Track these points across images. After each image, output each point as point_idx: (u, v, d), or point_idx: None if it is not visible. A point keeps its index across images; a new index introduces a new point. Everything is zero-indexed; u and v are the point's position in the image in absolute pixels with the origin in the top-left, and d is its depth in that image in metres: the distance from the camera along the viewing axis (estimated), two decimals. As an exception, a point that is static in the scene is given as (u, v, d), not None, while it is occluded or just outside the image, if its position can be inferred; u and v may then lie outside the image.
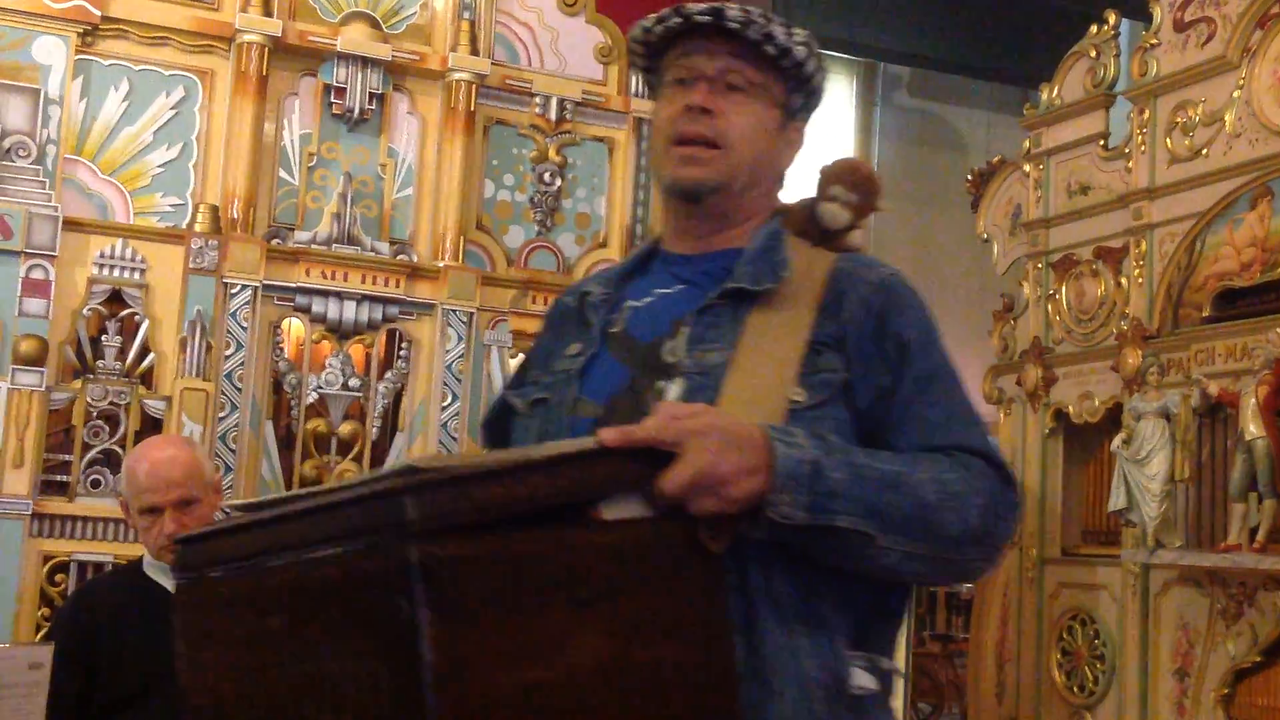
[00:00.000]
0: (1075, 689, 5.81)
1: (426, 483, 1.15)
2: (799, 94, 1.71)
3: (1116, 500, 5.32)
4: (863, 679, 1.51)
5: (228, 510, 1.36)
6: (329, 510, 1.23)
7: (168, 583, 2.93)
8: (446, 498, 1.15)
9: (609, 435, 1.32)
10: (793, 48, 1.65)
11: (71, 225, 5.11)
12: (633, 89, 6.11)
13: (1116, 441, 5.40)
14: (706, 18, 1.62)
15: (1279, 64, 5.18)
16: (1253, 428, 4.84)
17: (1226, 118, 5.33)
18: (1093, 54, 6.08)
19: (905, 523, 1.45)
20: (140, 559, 3.02)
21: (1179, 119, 5.56)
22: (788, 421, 1.48)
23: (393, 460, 5.53)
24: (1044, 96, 6.33)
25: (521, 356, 1.84)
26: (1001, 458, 1.59)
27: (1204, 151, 5.43)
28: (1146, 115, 5.71)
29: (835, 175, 1.75)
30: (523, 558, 1.19)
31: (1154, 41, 5.73)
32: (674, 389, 1.55)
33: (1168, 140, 5.61)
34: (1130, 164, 5.75)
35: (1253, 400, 4.84)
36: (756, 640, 1.46)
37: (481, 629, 1.14)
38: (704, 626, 1.33)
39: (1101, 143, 6.01)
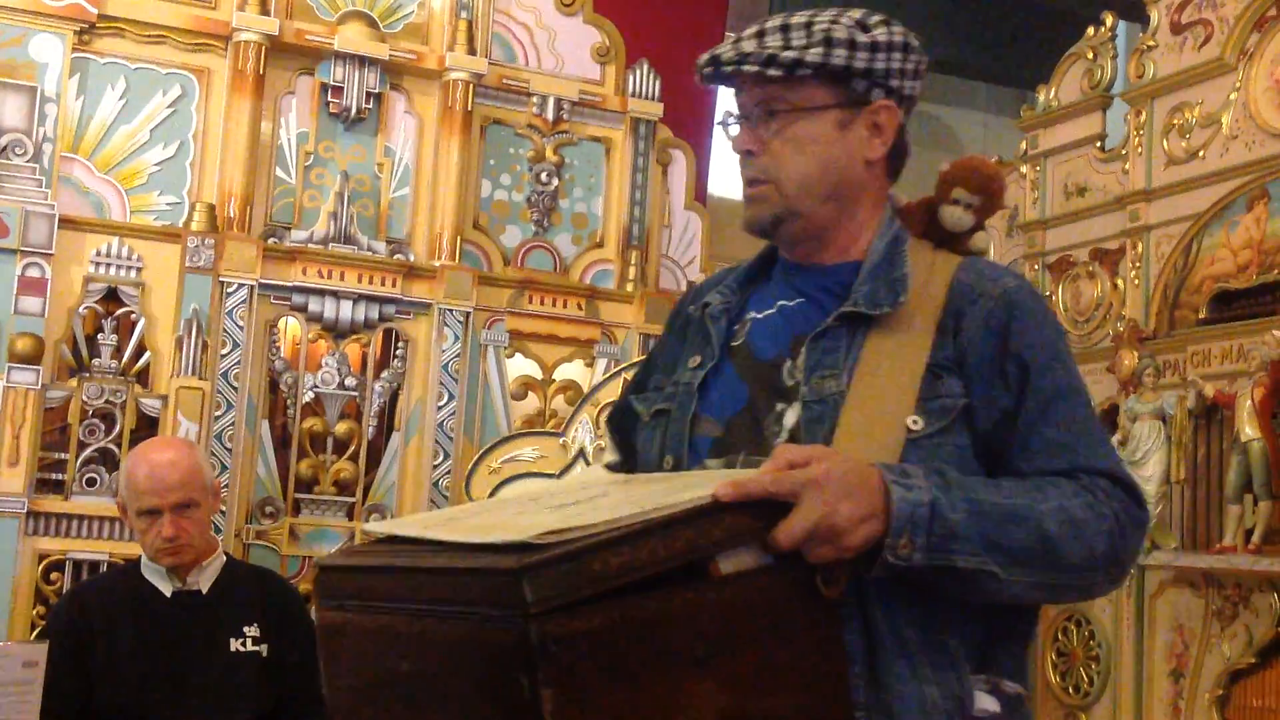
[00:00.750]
0: (1070, 690, 5.81)
1: (545, 561, 1.14)
2: (858, 80, 1.63)
3: (1112, 501, 5.31)
4: (985, 702, 1.49)
5: (364, 533, 1.39)
6: (454, 574, 1.23)
7: (164, 586, 2.93)
8: (564, 575, 1.14)
9: (725, 491, 1.29)
10: (804, 56, 1.59)
11: (68, 224, 5.10)
12: (630, 89, 6.11)
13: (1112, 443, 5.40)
14: (708, 69, 1.62)
15: (1276, 66, 5.18)
16: (1248, 429, 4.83)
17: (1223, 120, 5.34)
18: (1090, 56, 6.08)
19: (1028, 555, 1.44)
20: (138, 560, 3.01)
21: (1176, 121, 5.56)
22: (906, 451, 1.47)
23: (390, 459, 5.53)
24: (1041, 98, 6.33)
25: (642, 356, 1.86)
26: (1129, 475, 1.57)
27: (1201, 154, 5.43)
28: (1143, 117, 5.71)
29: (957, 177, 1.73)
30: (641, 624, 1.18)
31: (1151, 43, 5.73)
32: (791, 415, 1.54)
33: (1164, 142, 5.61)
34: (1127, 166, 5.75)
35: (1249, 402, 4.84)
36: (879, 672, 1.45)
37: (601, 702, 1.15)
38: (820, 673, 1.33)
39: (1098, 144, 6.01)
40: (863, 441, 1.46)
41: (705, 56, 1.63)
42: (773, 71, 1.59)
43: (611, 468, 1.81)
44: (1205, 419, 5.25)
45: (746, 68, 1.59)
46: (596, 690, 1.14)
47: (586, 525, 1.21)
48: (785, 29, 1.61)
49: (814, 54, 1.59)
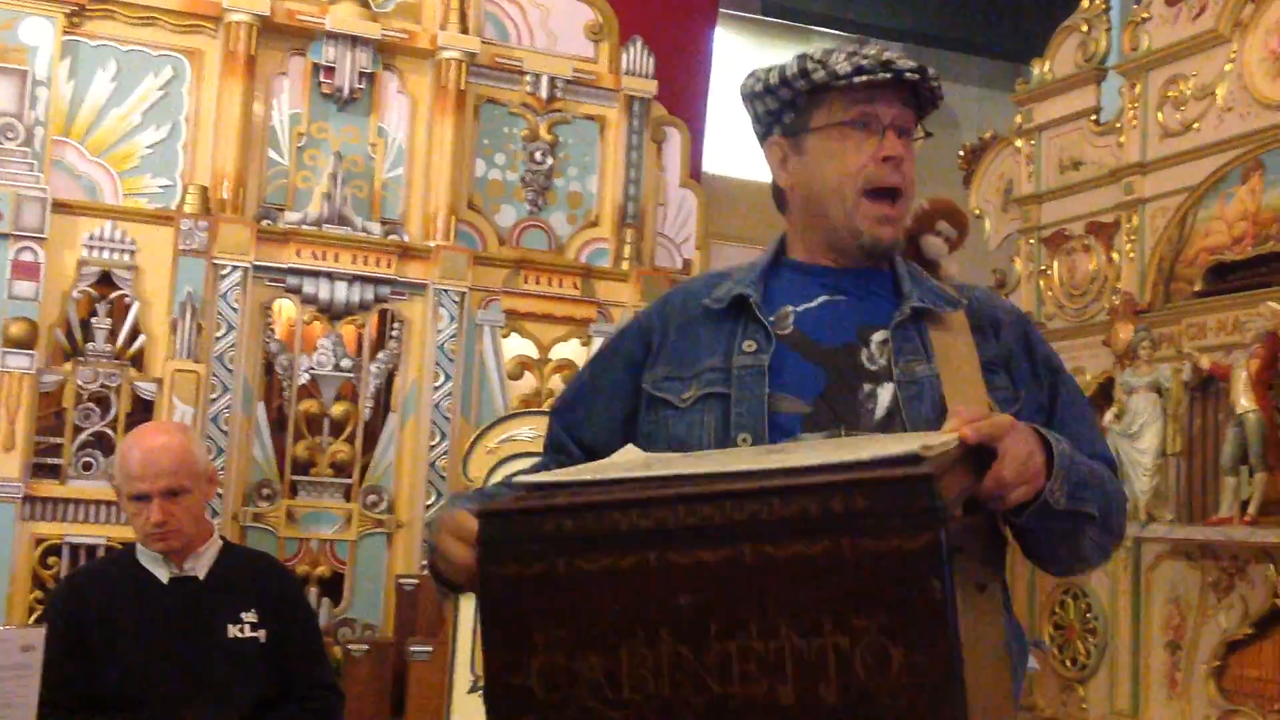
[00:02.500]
0: (1068, 663, 5.83)
1: (939, 470, 1.24)
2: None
3: (1108, 475, 5.33)
4: (1032, 660, 1.64)
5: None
6: (827, 490, 1.27)
7: (160, 572, 2.92)
8: (945, 486, 1.24)
9: (969, 433, 1.41)
10: (941, 91, 1.77)
11: (60, 207, 5.09)
12: (624, 66, 6.09)
13: (1108, 416, 5.41)
14: (916, 75, 1.72)
15: (1270, 37, 5.17)
16: (1244, 401, 4.84)
17: (1218, 92, 5.33)
18: (1084, 28, 6.07)
19: (1105, 516, 1.64)
20: (133, 546, 3.01)
21: (1170, 93, 5.55)
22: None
23: (386, 440, 5.53)
24: (1035, 71, 6.32)
25: (600, 349, 1.88)
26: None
27: (1195, 125, 5.42)
28: (1138, 90, 5.70)
29: (940, 213, 1.89)
30: (968, 544, 1.31)
31: (1145, 15, 5.72)
32: (885, 394, 1.66)
33: (1159, 114, 5.60)
34: (1122, 139, 5.74)
35: (1244, 374, 4.84)
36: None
37: (961, 615, 1.24)
38: (996, 596, 1.48)
39: (1093, 117, 5.99)
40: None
41: (876, 55, 1.72)
42: (929, 97, 1.76)
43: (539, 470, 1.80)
44: (1201, 391, 5.25)
45: (931, 82, 1.73)
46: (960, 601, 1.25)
47: (935, 446, 1.30)
48: (901, 61, 1.73)
49: (939, 88, 1.76)
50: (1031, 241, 6.25)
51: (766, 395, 1.67)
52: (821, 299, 1.75)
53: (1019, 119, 6.40)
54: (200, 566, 2.94)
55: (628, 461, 1.58)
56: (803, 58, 1.74)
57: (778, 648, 1.24)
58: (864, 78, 1.70)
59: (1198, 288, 5.35)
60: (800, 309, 1.74)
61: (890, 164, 1.72)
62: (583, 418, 1.85)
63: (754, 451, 1.56)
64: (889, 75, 1.70)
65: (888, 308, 1.72)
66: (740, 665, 1.25)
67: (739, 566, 1.26)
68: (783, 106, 1.77)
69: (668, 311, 1.84)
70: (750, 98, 1.82)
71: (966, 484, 1.38)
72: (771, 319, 1.73)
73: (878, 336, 1.70)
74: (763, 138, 1.82)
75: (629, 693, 1.29)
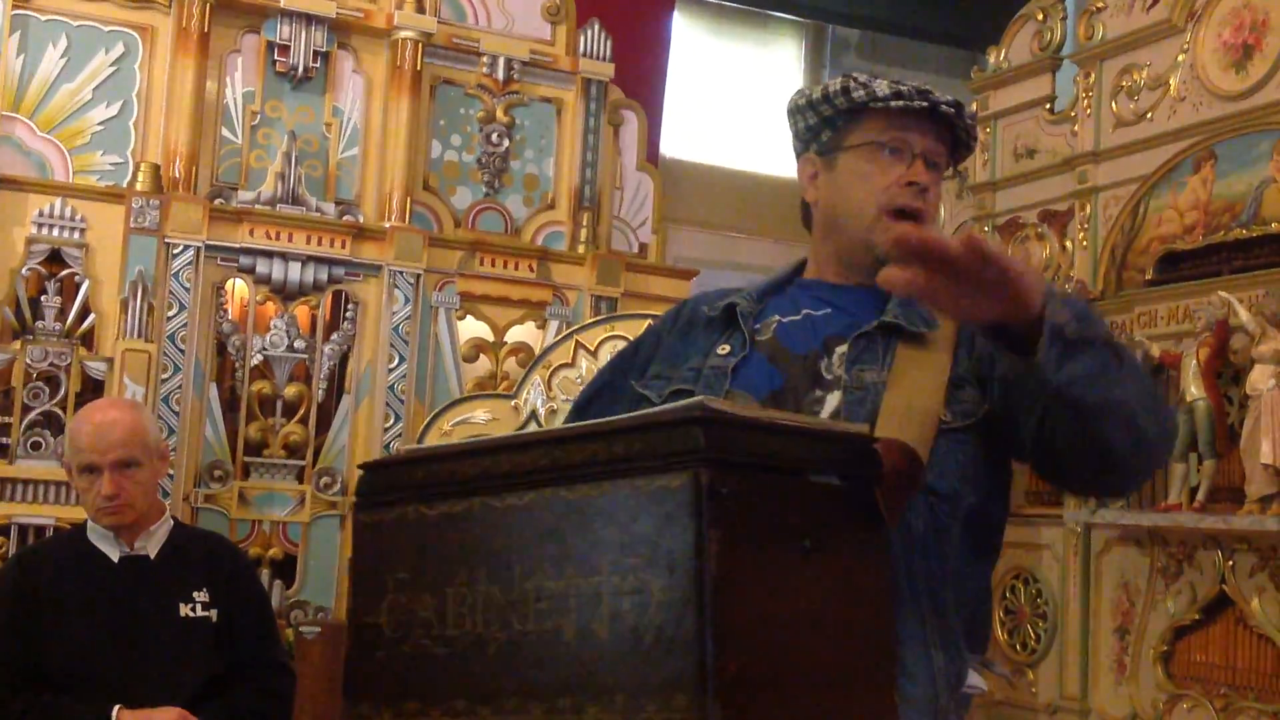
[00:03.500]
0: (1018, 647, 5.88)
1: (718, 419, 1.30)
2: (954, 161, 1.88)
3: (1060, 461, 5.36)
4: (974, 679, 1.64)
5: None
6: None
7: (111, 551, 2.89)
8: (736, 438, 1.30)
9: (906, 232, 1.43)
10: (976, 133, 1.85)
11: (9, 184, 5.03)
12: (581, 49, 6.07)
13: (1060, 403, 5.45)
14: (951, 109, 1.79)
15: (1224, 28, 5.21)
16: (1194, 389, 4.88)
17: (1171, 81, 5.37)
18: (1040, 17, 6.10)
19: (1137, 383, 1.60)
20: (84, 525, 2.98)
21: (1124, 82, 5.59)
22: (937, 440, 1.65)
23: (340, 421, 5.50)
24: (991, 60, 6.34)
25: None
26: None
27: (1149, 115, 5.46)
28: (1092, 79, 5.73)
29: None
30: (776, 501, 1.34)
31: (1100, 5, 5.75)
32: (831, 400, 1.72)
33: (1113, 104, 5.64)
34: (1076, 127, 5.78)
35: (1194, 362, 4.89)
36: (899, 628, 1.57)
37: (746, 557, 1.28)
38: (881, 594, 1.47)
39: (1048, 106, 6.03)
40: (901, 422, 1.63)
41: (917, 93, 1.78)
42: (964, 136, 1.83)
43: None
44: (1151, 379, 5.30)
45: (963, 120, 1.81)
46: (744, 545, 1.29)
47: (756, 411, 1.41)
48: (938, 94, 1.81)
49: (975, 132, 1.86)
50: (986, 229, 6.28)
51: (725, 394, 1.74)
52: (805, 312, 1.83)
53: (974, 106, 6.42)
54: (151, 545, 2.92)
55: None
56: (847, 77, 1.82)
57: (564, 587, 1.31)
58: (901, 103, 1.76)
59: (1149, 276, 5.39)
60: (786, 320, 1.83)
61: (914, 190, 1.77)
62: (598, 415, 1.90)
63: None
64: (925, 104, 1.77)
65: (865, 323, 1.78)
66: (535, 604, 1.33)
67: (538, 510, 1.35)
68: (822, 123, 1.83)
69: (680, 316, 1.94)
70: (793, 112, 1.88)
71: (806, 454, 1.40)
72: (757, 327, 1.82)
73: (841, 348, 1.76)
74: (799, 154, 1.89)
75: (451, 629, 1.38)
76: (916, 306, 1.77)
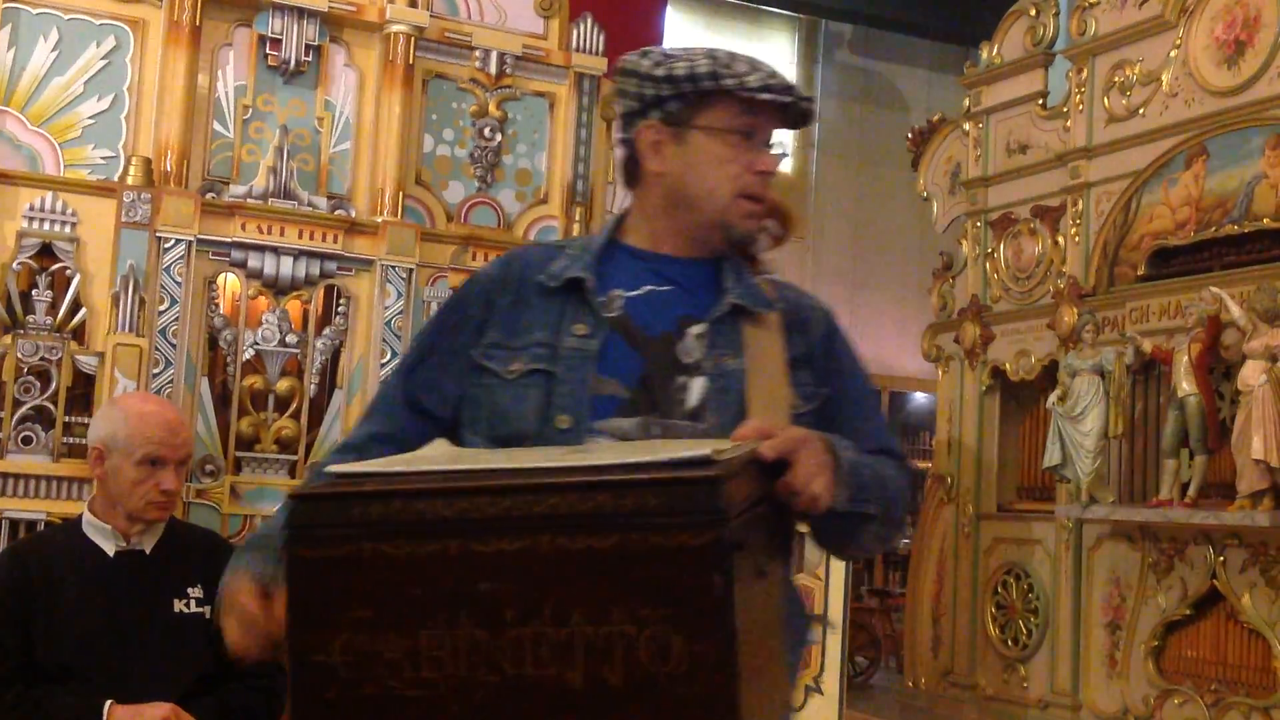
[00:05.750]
0: (1009, 642, 5.90)
1: (731, 473, 1.35)
2: None
3: (1051, 457, 5.39)
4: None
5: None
6: (621, 487, 1.36)
7: (107, 545, 2.89)
8: (738, 488, 1.35)
9: (766, 450, 1.51)
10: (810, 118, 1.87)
11: None
12: (574, 43, 6.06)
13: (1052, 398, 5.46)
14: (807, 105, 1.84)
15: (1215, 24, 5.22)
16: (1185, 385, 4.90)
17: (1163, 77, 5.38)
18: (1032, 13, 6.11)
19: (886, 513, 1.74)
20: (78, 518, 2.97)
21: (1116, 78, 5.60)
22: (792, 424, 1.69)
23: (332, 416, 5.50)
24: (984, 55, 6.35)
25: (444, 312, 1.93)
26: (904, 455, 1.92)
27: (1141, 111, 5.47)
28: (1084, 74, 5.75)
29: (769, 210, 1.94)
30: (755, 537, 1.41)
31: (1092, 1, 5.76)
32: (696, 386, 1.75)
33: (1105, 99, 5.65)
34: (1068, 123, 5.79)
35: (1185, 358, 4.91)
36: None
37: (741, 599, 1.33)
38: (783, 589, 1.59)
39: (1040, 102, 6.04)
40: (767, 412, 1.70)
41: (780, 78, 1.82)
42: (804, 120, 1.87)
43: (376, 438, 1.83)
44: (1143, 374, 5.32)
45: (805, 105, 1.84)
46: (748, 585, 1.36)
47: (726, 451, 1.41)
48: (801, 92, 1.84)
49: (811, 114, 1.87)
50: (978, 224, 6.29)
51: (592, 379, 1.75)
52: (647, 288, 1.83)
53: (967, 102, 6.43)
54: (147, 540, 2.92)
55: (437, 455, 1.65)
56: (714, 60, 1.79)
57: (569, 634, 1.32)
58: (769, 96, 1.79)
59: (1141, 272, 5.41)
60: (631, 294, 1.82)
61: (763, 179, 1.83)
62: (428, 380, 1.87)
63: (560, 450, 1.62)
64: (788, 100, 1.81)
65: (708, 302, 1.81)
66: (533, 649, 1.33)
67: (536, 557, 1.34)
68: (674, 95, 1.82)
69: (508, 278, 1.87)
70: (637, 75, 1.85)
71: (755, 488, 1.46)
72: (602, 300, 1.80)
73: (695, 329, 1.79)
74: (633, 115, 1.86)
75: (427, 672, 1.35)
76: (750, 282, 1.84)
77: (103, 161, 5.27)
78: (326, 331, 5.52)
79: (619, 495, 1.33)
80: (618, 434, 1.71)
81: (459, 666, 1.34)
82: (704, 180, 1.82)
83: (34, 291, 5.06)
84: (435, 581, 1.35)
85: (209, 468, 5.25)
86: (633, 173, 1.89)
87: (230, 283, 5.44)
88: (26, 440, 4.93)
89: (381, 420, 1.87)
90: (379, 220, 5.57)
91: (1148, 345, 5.15)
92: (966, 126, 6.38)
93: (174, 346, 5.17)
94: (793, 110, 1.83)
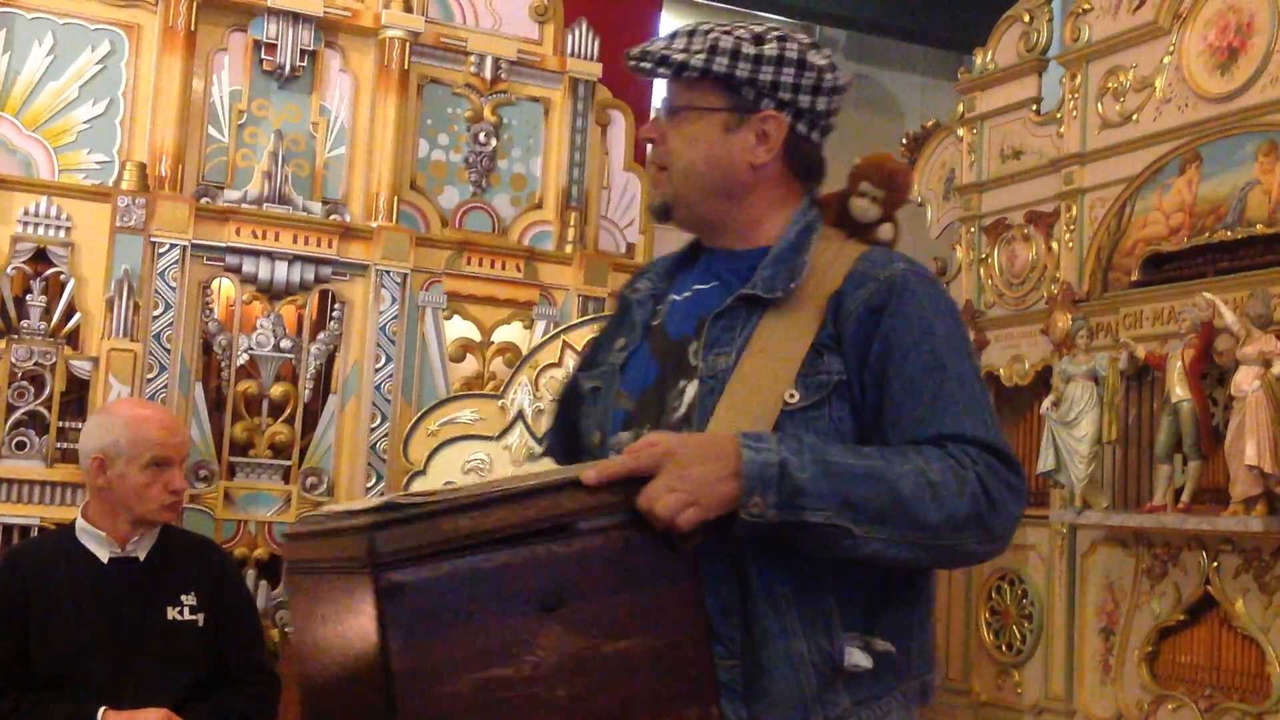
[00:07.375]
0: (1003, 648, 5.90)
1: (400, 519, 1.36)
2: (746, 88, 1.73)
3: (1045, 462, 5.39)
4: (857, 657, 1.61)
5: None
6: (332, 535, 1.46)
7: (101, 552, 2.89)
8: (415, 532, 1.36)
9: (589, 475, 1.46)
10: (689, 60, 1.71)
11: (-6, 182, 5.00)
12: (569, 49, 6.07)
13: (1046, 404, 5.46)
14: (629, 62, 1.77)
15: (1209, 30, 5.23)
16: (1179, 390, 4.90)
17: (1157, 83, 5.38)
18: (1026, 19, 6.11)
19: (880, 514, 1.54)
20: (71, 524, 2.97)
21: (1110, 84, 5.61)
22: (781, 422, 1.60)
23: (326, 421, 5.49)
24: (978, 61, 6.36)
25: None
26: (1002, 442, 1.66)
27: (1134, 117, 5.48)
28: (1078, 80, 5.75)
29: (864, 172, 1.82)
30: (483, 574, 1.37)
31: (1086, 6, 5.77)
32: (690, 390, 1.68)
33: (1099, 105, 5.65)
34: (1062, 129, 5.79)
35: (1179, 363, 4.90)
36: (749, 622, 1.59)
37: (444, 639, 1.34)
38: (677, 621, 1.48)
39: (1034, 107, 6.04)
40: (740, 414, 1.60)
41: (629, 50, 1.78)
42: (662, 70, 1.74)
43: (544, 445, 1.95)
44: (1137, 380, 5.32)
45: (644, 65, 1.75)
46: (439, 629, 1.34)
47: (450, 493, 1.41)
48: (691, 34, 1.75)
49: (698, 59, 1.71)
50: (972, 230, 6.29)
51: (615, 392, 1.76)
52: (695, 288, 1.79)
53: (961, 108, 6.44)
54: (141, 548, 2.92)
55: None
56: (836, 73, 1.79)
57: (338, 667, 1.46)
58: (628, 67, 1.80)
59: (1135, 278, 5.41)
60: (680, 298, 1.79)
61: (650, 145, 1.84)
62: (565, 414, 1.94)
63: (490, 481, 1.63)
64: (630, 64, 1.80)
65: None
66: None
67: (321, 595, 1.50)
68: (814, 95, 1.76)
69: (621, 295, 1.92)
70: (787, 63, 1.73)
71: (603, 508, 1.45)
72: (659, 309, 1.80)
73: (705, 327, 1.73)
74: (774, 105, 1.74)
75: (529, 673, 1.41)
76: (793, 259, 1.70)
77: (97, 166, 5.28)
78: (321, 336, 5.52)
79: (349, 541, 1.40)
80: (619, 448, 1.64)
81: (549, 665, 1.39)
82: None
83: (28, 296, 5.06)
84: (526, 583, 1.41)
85: (203, 473, 5.25)
86: (745, 178, 1.76)
87: (225, 288, 5.44)
88: (20, 445, 4.92)
89: (553, 433, 2.00)
90: (374, 225, 5.57)
91: (1141, 351, 5.16)
92: (960, 132, 6.39)
93: (168, 351, 5.17)
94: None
